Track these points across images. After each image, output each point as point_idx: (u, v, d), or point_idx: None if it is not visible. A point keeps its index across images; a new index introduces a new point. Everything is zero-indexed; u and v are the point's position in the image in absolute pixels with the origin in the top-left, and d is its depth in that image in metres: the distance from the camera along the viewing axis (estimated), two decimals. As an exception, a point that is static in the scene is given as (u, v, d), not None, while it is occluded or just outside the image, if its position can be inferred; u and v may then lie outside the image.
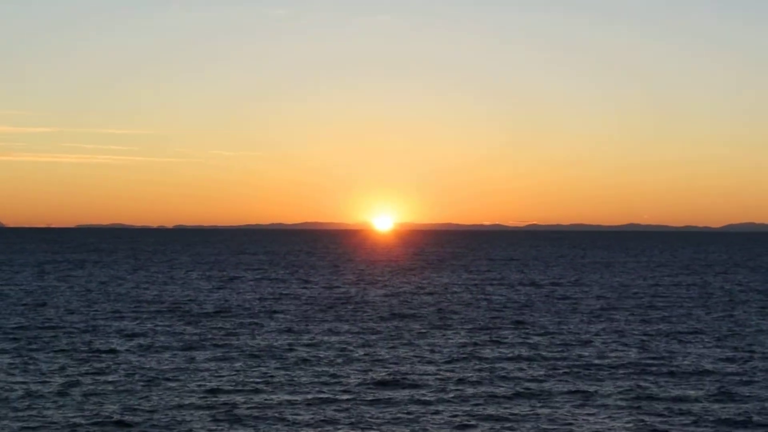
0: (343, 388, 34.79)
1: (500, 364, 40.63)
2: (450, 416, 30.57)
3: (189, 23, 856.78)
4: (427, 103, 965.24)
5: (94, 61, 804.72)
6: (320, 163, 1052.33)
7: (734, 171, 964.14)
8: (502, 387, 35.42)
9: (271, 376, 37.12)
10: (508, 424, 29.60)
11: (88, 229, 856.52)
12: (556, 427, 29.31)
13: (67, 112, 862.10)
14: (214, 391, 33.87)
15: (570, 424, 29.74)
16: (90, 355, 42.32)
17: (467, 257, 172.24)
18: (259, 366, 39.65)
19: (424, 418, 30.23)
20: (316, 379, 36.50)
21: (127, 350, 43.86)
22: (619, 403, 32.84)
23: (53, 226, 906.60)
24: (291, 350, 44.36)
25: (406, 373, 37.96)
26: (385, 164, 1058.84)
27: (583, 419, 30.31)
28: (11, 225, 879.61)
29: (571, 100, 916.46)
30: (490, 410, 31.51)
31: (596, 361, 41.92)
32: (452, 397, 33.38)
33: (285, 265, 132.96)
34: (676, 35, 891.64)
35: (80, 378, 36.16)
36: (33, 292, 77.83)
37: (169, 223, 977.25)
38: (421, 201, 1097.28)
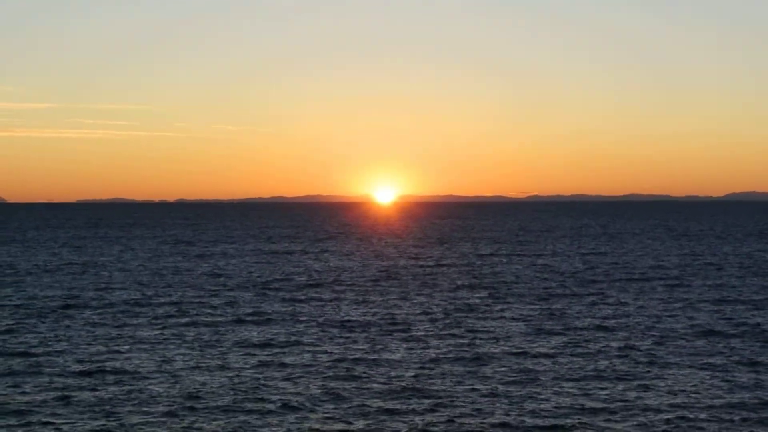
0: (445, 357, 35.39)
1: (590, 334, 41.15)
2: (559, 388, 30.99)
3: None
4: (429, 78, 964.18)
5: (95, 37, 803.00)
6: (321, 137, 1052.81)
7: (736, 141, 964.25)
8: (605, 357, 36.00)
9: (382, 348, 37.66)
10: (635, 394, 29.97)
11: (90, 204, 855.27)
12: (673, 394, 30.03)
13: (67, 87, 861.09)
14: (319, 364, 34.45)
15: (680, 391, 30.37)
16: (198, 329, 42.85)
17: (495, 229, 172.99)
18: (363, 337, 40.25)
19: (537, 391, 30.68)
20: (422, 351, 37.12)
21: (234, 322, 44.58)
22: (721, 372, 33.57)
23: (54, 201, 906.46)
24: (390, 323, 44.89)
25: (507, 346, 38.57)
26: (386, 137, 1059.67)
27: (697, 390, 30.96)
28: (13, 200, 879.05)
29: (573, 73, 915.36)
30: (605, 382, 31.99)
31: (681, 330, 42.59)
32: (559, 369, 33.77)
33: (322, 238, 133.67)
34: (676, 8, 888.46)
35: (195, 351, 36.84)
36: (103, 265, 78.57)
37: (171, 197, 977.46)
38: (422, 173, 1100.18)
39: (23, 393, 29.73)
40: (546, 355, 36.18)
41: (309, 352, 36.88)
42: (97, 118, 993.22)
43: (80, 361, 34.76)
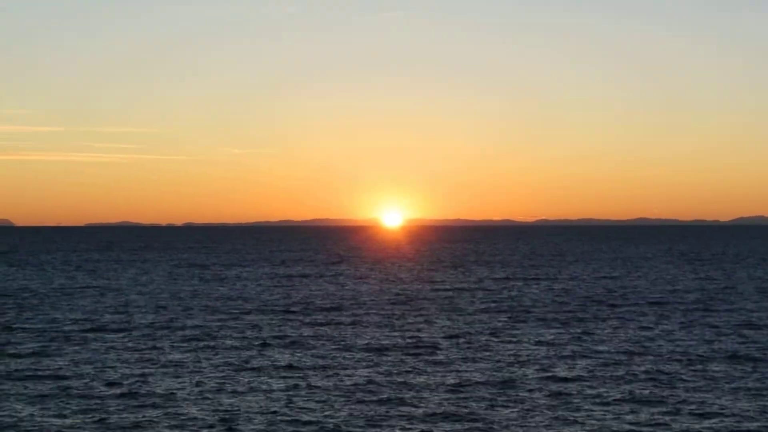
0: (473, 381, 35.45)
1: (615, 358, 41.22)
2: (591, 411, 31.10)
3: (198, 20, 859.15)
4: (436, 99, 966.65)
5: (103, 60, 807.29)
6: (329, 160, 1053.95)
7: (744, 165, 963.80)
8: (634, 380, 36.10)
9: (409, 371, 37.74)
10: (666, 418, 30.03)
11: (98, 227, 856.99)
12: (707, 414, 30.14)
13: (76, 111, 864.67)
14: (349, 387, 34.60)
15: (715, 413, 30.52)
16: (224, 352, 42.95)
17: (507, 253, 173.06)
18: (389, 360, 40.32)
19: (568, 414, 30.76)
20: (449, 374, 37.22)
21: (259, 345, 44.66)
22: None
23: (63, 224, 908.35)
24: (415, 346, 44.94)
25: (533, 369, 38.63)
26: (393, 161, 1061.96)
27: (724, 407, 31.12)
28: (21, 224, 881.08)
29: (580, 96, 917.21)
30: (644, 404, 32.20)
31: (706, 354, 42.66)
32: (588, 392, 33.84)
33: (336, 261, 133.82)
34: (685, 29, 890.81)
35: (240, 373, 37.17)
36: (121, 289, 78.75)
37: (178, 221, 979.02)
38: (430, 197, 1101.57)
39: (59, 416, 29.91)
40: (574, 379, 36.22)
41: (337, 375, 36.99)
42: (104, 142, 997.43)
43: (112, 384, 34.92)
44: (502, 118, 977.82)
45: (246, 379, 35.99)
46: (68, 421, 29.14)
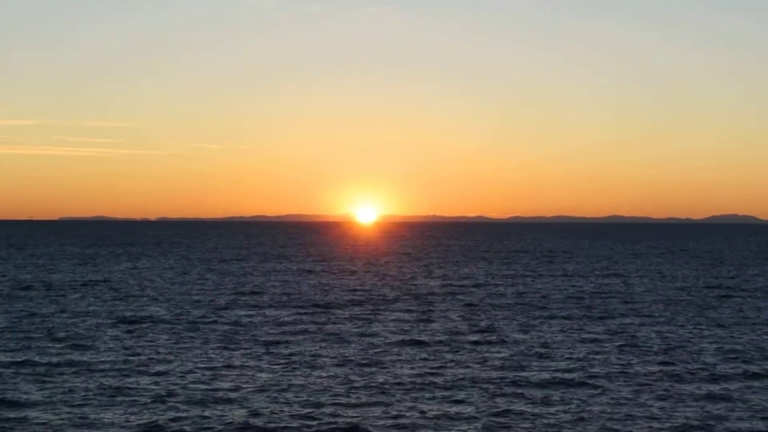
0: (516, 377, 35.95)
1: (649, 355, 41.89)
2: (641, 409, 31.67)
3: (174, 15, 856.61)
4: (412, 96, 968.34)
5: (78, 54, 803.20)
6: (302, 155, 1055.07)
7: (717, 164, 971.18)
8: (674, 378, 36.73)
9: (456, 364, 38.25)
10: (715, 413, 30.80)
11: (73, 221, 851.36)
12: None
13: (50, 104, 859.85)
14: (407, 381, 35.10)
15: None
16: (267, 348, 43.46)
17: (497, 249, 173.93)
18: (434, 355, 40.83)
19: (614, 411, 31.30)
20: (496, 371, 37.78)
21: (286, 342, 44.82)
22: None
23: (36, 218, 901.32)
24: (454, 340, 45.44)
25: (574, 366, 39.27)
26: (367, 156, 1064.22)
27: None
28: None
29: (556, 96, 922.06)
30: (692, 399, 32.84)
31: (728, 346, 43.96)
32: (630, 388, 34.46)
33: (335, 257, 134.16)
34: (664, 32, 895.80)
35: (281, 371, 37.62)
36: (136, 283, 78.82)
37: (152, 216, 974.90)
38: (404, 193, 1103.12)
39: (123, 413, 30.09)
40: (612, 376, 36.54)
41: (385, 370, 37.36)
42: (80, 136, 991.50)
43: (170, 380, 35.28)
44: (479, 115, 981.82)
45: (300, 375, 36.34)
46: (133, 418, 29.43)
